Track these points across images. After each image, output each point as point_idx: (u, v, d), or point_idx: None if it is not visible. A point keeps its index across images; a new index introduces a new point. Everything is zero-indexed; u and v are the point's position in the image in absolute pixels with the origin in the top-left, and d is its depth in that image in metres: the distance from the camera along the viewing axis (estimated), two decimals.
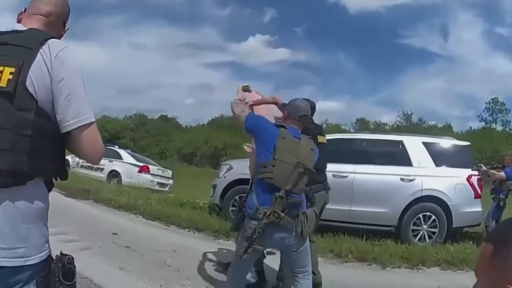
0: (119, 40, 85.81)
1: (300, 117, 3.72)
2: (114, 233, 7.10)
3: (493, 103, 55.52)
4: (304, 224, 3.43)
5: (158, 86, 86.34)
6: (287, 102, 3.91)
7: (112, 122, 55.68)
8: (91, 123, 1.77)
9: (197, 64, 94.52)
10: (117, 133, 52.83)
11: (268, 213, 3.30)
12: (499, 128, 54.36)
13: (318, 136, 4.89)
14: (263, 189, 3.42)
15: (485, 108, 55.94)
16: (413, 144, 8.49)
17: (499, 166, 8.81)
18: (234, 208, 8.47)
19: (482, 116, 55.88)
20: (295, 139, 3.54)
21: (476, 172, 8.24)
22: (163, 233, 7.76)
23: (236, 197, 8.51)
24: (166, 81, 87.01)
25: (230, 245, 7.14)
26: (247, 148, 4.55)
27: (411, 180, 8.04)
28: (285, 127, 3.57)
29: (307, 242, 3.63)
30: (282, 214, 3.32)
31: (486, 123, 55.32)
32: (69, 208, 9.38)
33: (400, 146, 8.45)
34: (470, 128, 53.53)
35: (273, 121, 3.89)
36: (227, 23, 79.34)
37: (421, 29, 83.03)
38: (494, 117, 55.53)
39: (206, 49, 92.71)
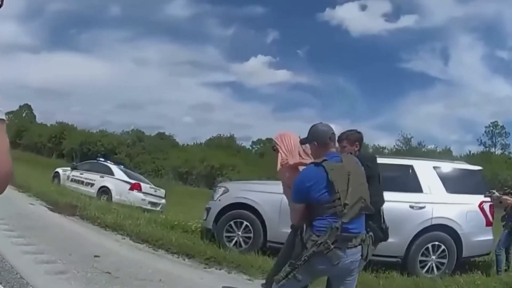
0: (121, 54, 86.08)
1: (330, 138, 3.65)
2: (96, 256, 6.48)
3: (492, 126, 55.78)
4: (369, 247, 3.46)
5: (157, 102, 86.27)
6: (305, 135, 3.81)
7: (109, 136, 55.28)
8: None
9: (198, 82, 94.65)
10: (113, 148, 52.46)
11: (318, 242, 3.24)
12: (498, 151, 54.43)
13: None
14: (316, 215, 3.38)
15: (485, 131, 56.18)
16: (424, 169, 8.01)
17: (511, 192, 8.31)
18: (229, 234, 7.96)
19: (481, 140, 56.04)
20: (339, 163, 3.47)
21: (488, 199, 7.80)
22: (150, 258, 7.16)
23: (231, 223, 7.98)
24: (165, 98, 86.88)
25: (223, 274, 6.63)
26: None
27: (421, 208, 7.54)
28: (325, 159, 3.44)
29: None
30: (332, 246, 3.23)
31: (486, 147, 55.41)
32: (51, 224, 8.91)
33: (410, 171, 7.95)
34: (469, 152, 53.13)
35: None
36: (230, 43, 79.68)
37: (421, 53, 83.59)
38: (494, 141, 55.73)
39: (207, 68, 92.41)
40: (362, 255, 3.43)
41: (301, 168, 3.87)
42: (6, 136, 1.10)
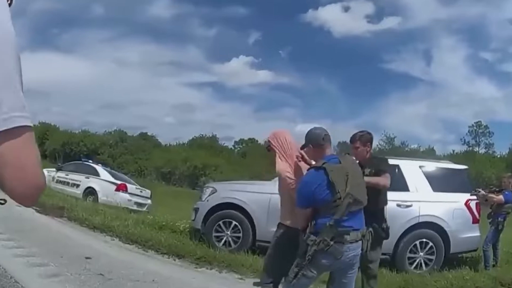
0: (104, 54, 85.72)
1: (324, 139, 3.78)
2: (87, 257, 6.49)
3: (476, 126, 56.27)
4: (369, 242, 3.66)
5: (139, 103, 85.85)
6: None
7: (92, 137, 54.98)
8: (24, 128, 0.97)
9: (179, 83, 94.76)
10: (95, 148, 52.20)
11: (317, 240, 3.40)
12: (482, 151, 55.06)
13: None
14: (319, 215, 3.53)
15: (468, 131, 56.77)
16: (410, 169, 8.17)
17: (497, 189, 8.52)
18: (218, 234, 8.03)
19: (465, 140, 56.57)
20: (338, 164, 3.61)
21: (474, 197, 7.99)
22: (140, 259, 7.20)
23: (220, 223, 8.05)
24: (147, 99, 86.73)
25: (214, 274, 6.71)
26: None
27: (408, 206, 7.71)
28: (325, 162, 3.57)
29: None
30: (331, 242, 3.39)
31: (469, 146, 55.92)
32: (40, 226, 8.86)
33: (396, 171, 7.98)
34: (453, 151, 53.67)
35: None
36: (212, 43, 79.86)
37: (404, 54, 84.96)
38: (477, 140, 56.25)
39: (189, 68, 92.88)
40: (362, 249, 3.60)
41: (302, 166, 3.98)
42: (35, 146, 1.00)
